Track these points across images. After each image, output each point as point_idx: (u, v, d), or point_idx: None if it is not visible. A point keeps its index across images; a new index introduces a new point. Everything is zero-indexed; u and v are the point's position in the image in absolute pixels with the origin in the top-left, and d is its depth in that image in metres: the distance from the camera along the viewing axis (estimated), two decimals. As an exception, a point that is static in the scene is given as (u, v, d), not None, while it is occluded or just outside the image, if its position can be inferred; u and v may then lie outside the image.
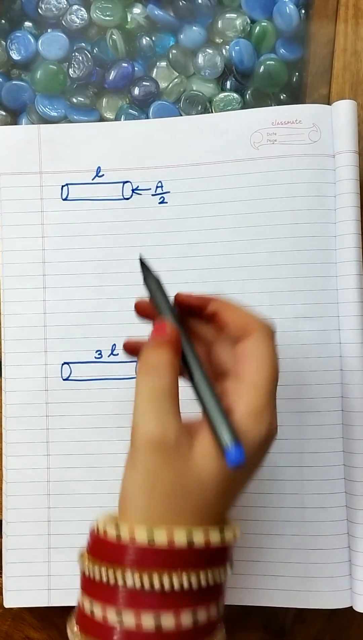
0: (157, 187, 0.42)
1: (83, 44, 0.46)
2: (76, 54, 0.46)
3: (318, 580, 0.40)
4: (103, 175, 0.43)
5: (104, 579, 0.28)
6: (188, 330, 0.33)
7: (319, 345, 0.41)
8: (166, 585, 0.28)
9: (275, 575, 0.40)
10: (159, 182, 0.42)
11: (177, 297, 0.33)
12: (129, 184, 0.43)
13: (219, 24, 0.46)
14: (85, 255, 0.42)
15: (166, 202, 0.42)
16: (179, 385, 0.31)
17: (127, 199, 0.43)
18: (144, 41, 0.46)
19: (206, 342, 0.34)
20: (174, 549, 0.28)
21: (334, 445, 0.40)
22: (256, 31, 0.46)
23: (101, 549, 0.30)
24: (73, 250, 0.42)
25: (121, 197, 0.43)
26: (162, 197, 0.42)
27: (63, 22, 0.46)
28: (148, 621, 0.28)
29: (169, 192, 0.42)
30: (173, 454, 0.29)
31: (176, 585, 0.28)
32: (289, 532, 0.40)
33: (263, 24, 0.46)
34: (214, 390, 0.30)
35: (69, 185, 0.43)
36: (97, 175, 0.43)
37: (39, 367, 0.42)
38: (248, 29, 0.46)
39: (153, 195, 0.42)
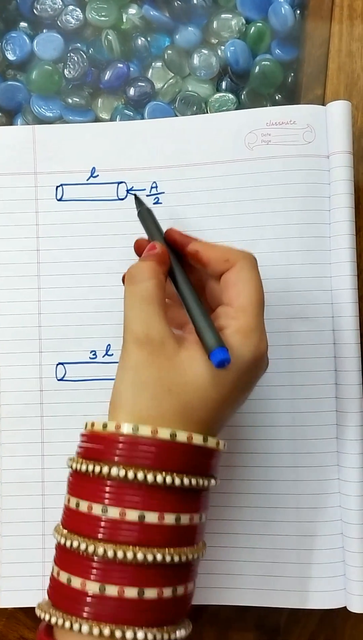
0: (152, 187, 0.42)
1: (78, 45, 0.46)
2: (71, 54, 0.46)
3: (313, 581, 0.40)
4: (98, 175, 0.43)
5: (90, 473, 0.30)
6: (182, 263, 0.36)
7: (313, 345, 0.41)
8: (150, 480, 0.29)
9: (269, 575, 0.40)
10: (154, 182, 0.42)
11: (168, 231, 0.36)
12: (123, 184, 0.43)
13: (215, 24, 0.46)
14: (80, 255, 0.42)
15: (161, 203, 0.42)
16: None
17: (122, 199, 0.43)
18: (139, 42, 0.46)
19: (200, 280, 0.36)
20: (158, 444, 0.30)
21: (328, 445, 0.40)
22: (251, 32, 0.46)
23: (89, 446, 0.32)
24: (68, 250, 0.42)
25: (116, 198, 0.43)
26: (157, 197, 0.42)
27: (58, 22, 0.46)
28: (132, 516, 0.29)
29: (163, 192, 0.42)
30: (156, 351, 0.31)
31: (160, 481, 0.29)
32: (283, 533, 0.40)
33: (258, 24, 0.46)
34: (201, 302, 0.33)
35: (63, 186, 0.43)
36: (92, 176, 0.43)
37: (33, 368, 0.42)
38: (244, 29, 0.46)
39: (147, 195, 0.42)
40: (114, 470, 0.29)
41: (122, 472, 0.29)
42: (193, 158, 0.42)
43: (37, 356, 0.42)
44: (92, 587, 0.29)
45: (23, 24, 0.47)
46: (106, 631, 0.28)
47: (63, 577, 0.30)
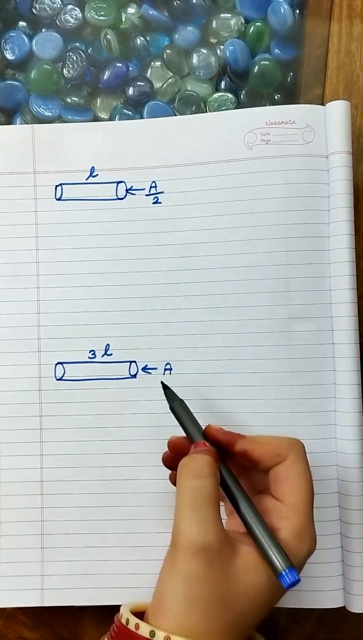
0: (151, 187, 0.42)
1: (77, 44, 0.46)
2: (70, 53, 0.46)
3: (311, 580, 0.40)
4: (97, 175, 0.43)
5: None
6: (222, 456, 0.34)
7: (313, 345, 0.41)
8: None
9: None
10: (153, 182, 0.42)
11: (207, 429, 0.34)
12: (123, 184, 0.43)
13: (214, 24, 0.46)
14: (79, 255, 0.42)
15: (160, 202, 0.42)
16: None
17: (121, 199, 0.42)
18: (138, 41, 0.46)
19: (239, 467, 0.35)
20: None
21: (328, 443, 0.40)
22: (250, 31, 0.46)
23: None
24: (67, 250, 0.42)
25: (115, 197, 0.42)
26: (156, 197, 0.42)
27: (57, 21, 0.46)
28: None
29: (163, 192, 0.42)
30: (215, 561, 0.29)
31: None
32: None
33: (257, 24, 0.46)
34: (257, 511, 0.31)
35: (63, 185, 0.43)
36: (91, 175, 0.43)
37: (32, 367, 0.42)
38: (243, 29, 0.46)
39: (146, 195, 0.42)
40: None
41: None
42: (192, 157, 0.42)
43: (36, 356, 0.42)
44: None
45: (22, 24, 0.47)
46: None
47: None
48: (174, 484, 0.34)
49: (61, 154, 0.43)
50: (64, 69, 0.46)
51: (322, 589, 0.40)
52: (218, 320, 0.41)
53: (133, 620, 0.30)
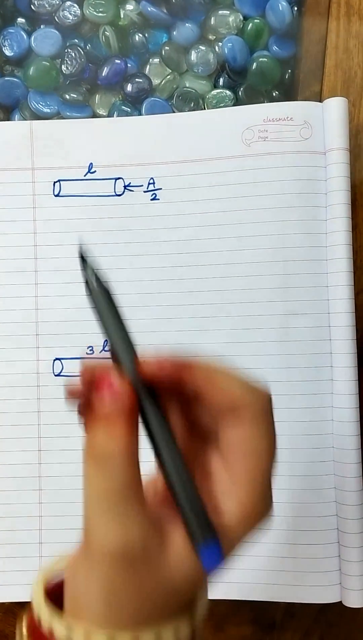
0: (149, 183, 0.42)
1: (76, 41, 0.46)
2: (69, 50, 0.46)
3: (308, 575, 0.40)
4: (95, 171, 0.43)
5: None
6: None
7: (310, 341, 0.41)
8: None
9: (265, 569, 0.40)
10: (151, 178, 0.42)
11: (140, 369, 0.24)
12: (121, 180, 0.43)
13: (213, 20, 0.46)
14: (77, 251, 0.42)
15: (158, 199, 0.42)
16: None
17: (120, 195, 0.43)
18: (137, 38, 0.46)
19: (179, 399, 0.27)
20: None
21: (324, 439, 0.40)
22: (249, 28, 0.46)
23: None
24: (65, 246, 0.42)
25: (113, 194, 0.43)
26: (154, 193, 0.42)
27: (56, 18, 0.46)
28: None
29: (161, 188, 0.42)
30: (139, 563, 0.23)
31: None
32: (279, 527, 0.40)
33: (256, 21, 0.46)
34: (189, 475, 0.24)
35: (61, 182, 0.43)
36: (89, 172, 0.43)
37: (30, 363, 0.42)
38: (241, 26, 0.46)
39: (145, 191, 0.42)
40: None
41: None
42: (191, 154, 0.42)
43: (34, 352, 0.42)
44: None
45: (21, 20, 0.47)
46: None
47: None
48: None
49: (59, 151, 0.43)
50: (63, 66, 0.46)
51: (318, 584, 0.40)
52: (216, 316, 0.41)
53: (46, 621, 0.24)
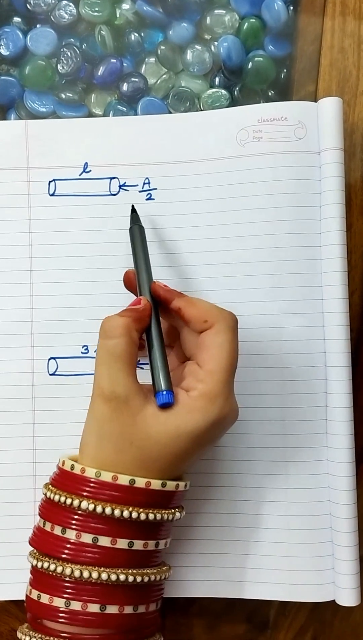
0: (144, 183, 0.43)
1: (72, 40, 0.46)
2: (65, 49, 0.46)
3: (302, 574, 0.40)
4: (90, 171, 0.43)
5: (62, 503, 0.33)
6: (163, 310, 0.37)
7: (303, 341, 0.41)
8: (117, 514, 0.32)
9: (258, 568, 0.40)
10: (146, 178, 0.43)
11: (152, 285, 0.37)
12: (116, 180, 0.43)
13: (208, 20, 0.46)
14: (72, 250, 0.42)
15: (153, 199, 0.42)
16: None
17: (115, 195, 0.43)
18: (132, 37, 0.46)
19: (178, 328, 0.37)
20: (120, 488, 0.33)
21: (319, 440, 0.41)
22: (244, 27, 0.46)
23: (61, 480, 0.34)
24: (60, 245, 0.42)
25: (108, 193, 0.43)
26: (149, 193, 0.43)
27: (52, 17, 0.46)
28: (87, 538, 0.33)
29: (156, 188, 0.42)
30: (121, 407, 0.33)
31: (126, 515, 0.32)
32: (273, 526, 0.40)
33: (251, 20, 0.46)
34: (162, 351, 0.35)
35: (56, 181, 0.43)
36: (84, 171, 0.43)
37: (25, 362, 0.42)
38: (237, 25, 0.46)
39: (140, 191, 0.43)
40: (84, 504, 0.32)
41: (91, 506, 0.32)
42: (186, 154, 0.42)
43: (29, 351, 0.42)
44: (59, 603, 0.33)
45: (16, 19, 0.47)
46: None
47: (34, 593, 0.34)
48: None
49: (54, 150, 0.43)
50: (59, 65, 0.46)
51: (312, 582, 0.40)
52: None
53: (62, 459, 0.35)
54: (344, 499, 0.39)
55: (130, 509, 0.32)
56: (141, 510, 0.33)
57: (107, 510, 0.32)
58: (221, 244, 0.42)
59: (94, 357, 0.41)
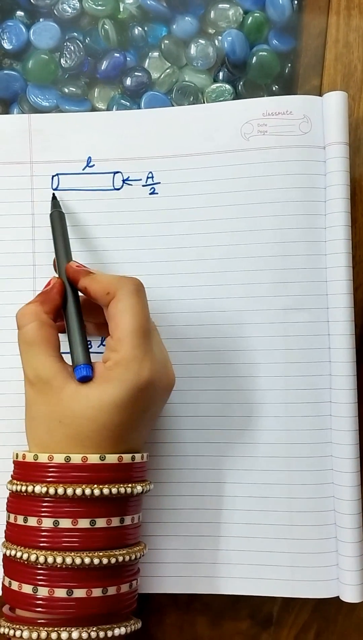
0: (148, 177, 0.42)
1: (75, 34, 0.46)
2: (68, 43, 0.46)
3: (306, 570, 0.40)
4: (94, 165, 0.43)
5: (17, 490, 0.34)
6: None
7: (308, 337, 0.41)
8: (70, 493, 0.32)
9: (262, 564, 0.40)
10: (150, 172, 0.42)
11: (66, 266, 0.38)
12: (119, 174, 0.43)
13: (212, 14, 0.46)
14: (75, 245, 0.42)
15: (157, 193, 0.42)
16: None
17: (118, 189, 0.42)
18: (136, 31, 0.46)
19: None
20: (60, 466, 0.33)
21: (323, 436, 0.40)
22: (248, 22, 0.46)
23: (16, 471, 0.36)
24: (63, 240, 0.42)
25: (112, 188, 0.42)
26: (153, 187, 0.42)
27: (55, 11, 0.46)
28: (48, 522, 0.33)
29: (159, 182, 0.42)
30: (44, 389, 0.34)
31: (79, 493, 0.32)
32: (276, 522, 0.40)
33: (255, 14, 0.46)
34: (81, 325, 0.36)
35: (59, 175, 0.43)
36: (87, 166, 0.43)
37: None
38: (241, 19, 0.46)
39: (143, 186, 0.42)
40: (37, 488, 0.33)
41: (41, 489, 0.33)
42: (190, 148, 0.42)
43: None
44: (27, 589, 0.33)
45: (20, 13, 0.47)
46: (43, 634, 0.32)
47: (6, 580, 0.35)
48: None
49: (57, 144, 0.43)
50: (62, 59, 0.45)
51: (316, 579, 0.40)
52: (214, 311, 0.41)
53: (19, 452, 0.36)
54: (348, 495, 0.39)
55: (82, 486, 0.32)
56: (91, 486, 0.33)
57: (59, 491, 0.32)
58: (224, 239, 0.41)
59: (97, 353, 0.42)
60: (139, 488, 0.34)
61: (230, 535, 0.41)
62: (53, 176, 0.43)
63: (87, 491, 0.32)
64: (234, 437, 0.41)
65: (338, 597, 0.40)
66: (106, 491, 0.33)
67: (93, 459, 0.33)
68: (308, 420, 0.40)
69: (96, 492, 0.33)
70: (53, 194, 0.42)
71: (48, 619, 0.33)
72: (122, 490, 0.33)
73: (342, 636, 0.43)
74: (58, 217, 0.40)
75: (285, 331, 0.41)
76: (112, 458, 0.33)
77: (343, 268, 0.40)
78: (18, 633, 0.32)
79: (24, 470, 0.34)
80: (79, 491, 0.32)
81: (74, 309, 0.36)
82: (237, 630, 0.43)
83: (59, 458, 0.33)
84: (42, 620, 0.33)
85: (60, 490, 0.32)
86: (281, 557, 0.40)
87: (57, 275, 0.38)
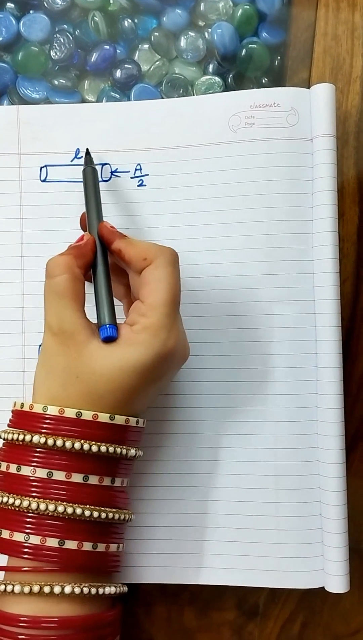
0: (136, 169, 0.42)
1: (65, 26, 0.46)
2: (58, 35, 0.46)
3: (291, 561, 0.40)
4: (82, 157, 0.43)
5: (15, 439, 0.34)
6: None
7: (295, 328, 0.41)
8: (68, 446, 0.33)
9: (248, 555, 0.40)
10: (138, 164, 0.42)
11: (100, 225, 0.37)
12: (108, 166, 0.43)
13: (202, 6, 0.46)
14: (63, 236, 0.42)
15: (145, 185, 0.42)
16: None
17: (106, 181, 0.43)
18: (126, 23, 0.46)
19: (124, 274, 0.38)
20: (68, 420, 0.33)
21: (309, 427, 0.41)
22: (238, 14, 0.46)
23: (16, 420, 0.35)
24: (52, 231, 0.42)
25: (100, 179, 0.42)
26: (141, 179, 0.42)
27: (45, 3, 0.46)
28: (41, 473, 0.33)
29: (148, 174, 0.42)
30: (67, 342, 0.34)
31: (77, 447, 0.33)
32: (262, 513, 0.40)
33: (245, 7, 0.46)
34: (109, 284, 0.36)
35: (47, 167, 0.43)
36: (76, 157, 0.43)
37: (16, 348, 0.42)
38: (231, 12, 0.46)
39: (131, 177, 0.42)
40: (36, 438, 0.33)
41: (42, 440, 0.33)
42: (178, 140, 0.42)
43: (20, 337, 0.42)
44: (19, 537, 0.33)
45: (10, 5, 0.47)
46: (35, 588, 0.32)
47: None
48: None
49: (45, 136, 0.43)
50: (52, 51, 0.46)
51: (301, 569, 0.40)
52: (199, 303, 0.41)
53: (19, 401, 0.36)
54: (334, 486, 0.39)
55: (81, 441, 0.33)
56: (92, 442, 0.33)
57: (58, 443, 0.33)
58: (212, 230, 0.41)
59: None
60: (133, 451, 0.35)
61: (216, 526, 0.41)
62: (41, 167, 0.43)
63: (85, 447, 0.33)
64: (220, 429, 0.41)
65: (323, 587, 0.40)
66: (103, 449, 0.33)
67: (103, 417, 0.34)
68: (294, 412, 0.41)
69: (94, 448, 0.33)
70: (87, 149, 0.41)
71: (34, 567, 0.33)
72: (118, 450, 0.34)
73: (328, 626, 0.43)
74: (91, 174, 0.40)
75: (272, 323, 0.41)
76: (120, 419, 0.34)
77: (330, 260, 0.40)
78: (9, 588, 0.33)
79: (24, 420, 0.35)
80: (77, 445, 0.33)
81: (103, 268, 0.36)
82: (224, 620, 0.43)
83: (70, 413, 0.33)
84: (28, 568, 0.33)
85: (59, 442, 0.33)
86: (267, 547, 0.40)
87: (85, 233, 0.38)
